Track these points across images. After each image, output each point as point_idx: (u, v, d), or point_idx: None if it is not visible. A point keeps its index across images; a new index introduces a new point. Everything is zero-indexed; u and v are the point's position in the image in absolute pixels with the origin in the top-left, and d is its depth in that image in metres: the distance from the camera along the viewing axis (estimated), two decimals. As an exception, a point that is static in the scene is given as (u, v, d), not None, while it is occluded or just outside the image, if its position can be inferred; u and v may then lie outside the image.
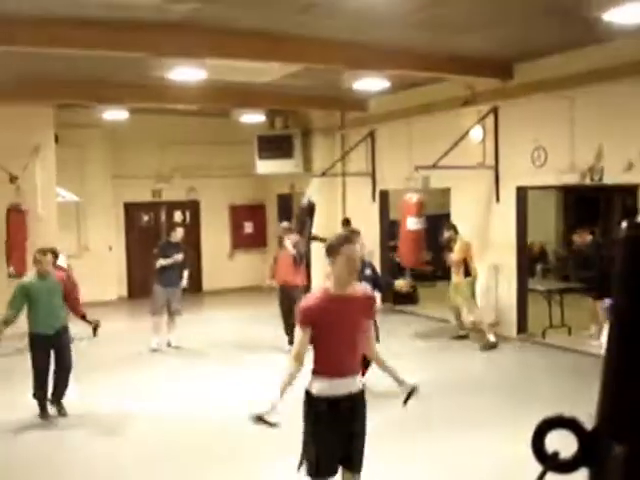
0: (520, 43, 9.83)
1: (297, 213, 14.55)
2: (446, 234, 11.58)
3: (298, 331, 4.26)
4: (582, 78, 9.94)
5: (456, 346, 11.77)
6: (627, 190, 14.72)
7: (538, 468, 1.25)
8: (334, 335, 4.26)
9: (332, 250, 4.26)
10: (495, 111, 11.73)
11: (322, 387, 4.28)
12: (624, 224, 1.17)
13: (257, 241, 18.33)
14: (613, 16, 6.58)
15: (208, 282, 17.51)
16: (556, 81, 10.38)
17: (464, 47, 9.92)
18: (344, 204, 16.01)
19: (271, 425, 4.12)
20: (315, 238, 14.01)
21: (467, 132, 11.84)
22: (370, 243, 14.22)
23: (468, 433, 7.12)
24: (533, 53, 10.42)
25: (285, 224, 12.35)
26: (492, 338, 11.21)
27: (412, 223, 10.88)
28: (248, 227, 18.33)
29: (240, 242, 18.13)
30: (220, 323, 13.68)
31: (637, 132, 9.43)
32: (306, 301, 4.37)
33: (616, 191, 15.47)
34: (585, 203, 16.81)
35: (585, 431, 0.98)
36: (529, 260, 12.76)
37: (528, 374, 9.77)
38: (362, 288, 4.48)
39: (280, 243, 11.78)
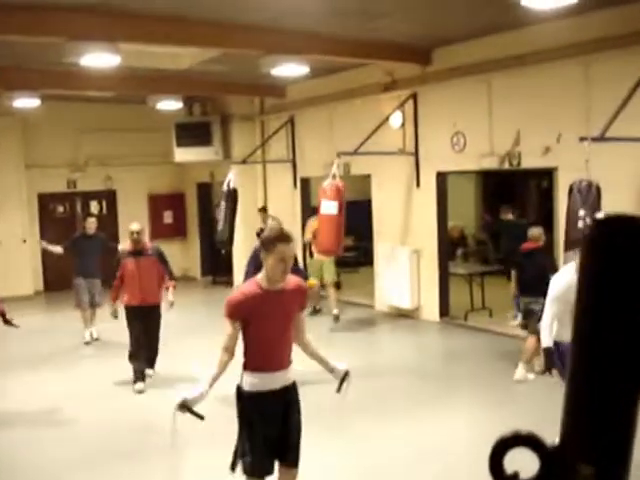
0: (439, 28, 9.89)
1: (218, 201, 14.35)
2: None
3: (227, 325, 4.13)
4: (499, 63, 10.05)
5: (381, 329, 11.85)
6: (542, 173, 15.12)
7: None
8: (265, 329, 4.17)
9: (266, 245, 4.16)
10: (414, 97, 11.77)
11: (254, 382, 4.19)
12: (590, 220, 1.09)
13: (177, 231, 18.02)
14: (531, 1, 6.62)
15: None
16: (474, 66, 10.47)
17: (384, 32, 9.90)
18: (265, 191, 15.87)
19: (197, 416, 4.00)
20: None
21: (387, 118, 11.86)
22: (292, 232, 14.17)
23: (388, 419, 7.14)
24: (452, 38, 10.48)
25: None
26: (335, 311, 11.66)
27: (328, 207, 10.74)
28: (168, 217, 17.98)
29: (160, 232, 17.72)
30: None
31: (554, 117, 9.59)
32: (236, 295, 4.24)
33: (531, 174, 15.80)
34: (502, 187, 17.11)
35: (547, 449, 0.90)
36: (449, 244, 12.90)
37: (450, 357, 9.89)
38: (294, 279, 4.36)
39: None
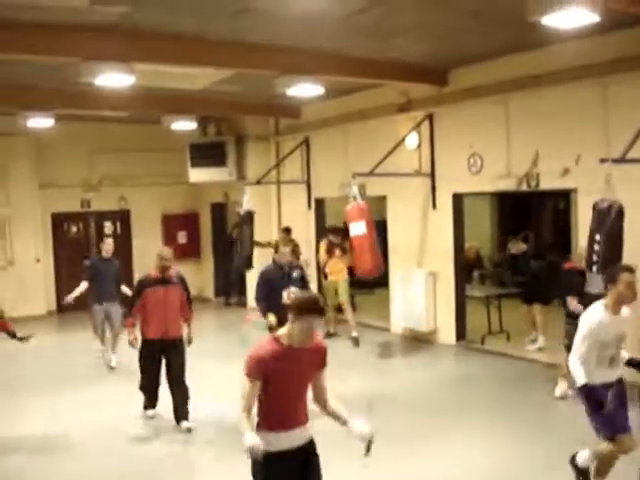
0: (456, 48, 9.78)
1: (236, 222, 14.32)
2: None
3: (246, 383, 3.96)
4: (516, 84, 9.93)
5: (397, 353, 11.70)
6: (558, 194, 14.95)
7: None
8: (283, 389, 4.02)
9: (295, 311, 3.97)
10: (430, 117, 11.67)
11: (270, 441, 3.97)
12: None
13: (191, 251, 17.93)
14: (551, 20, 6.51)
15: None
16: (491, 87, 10.37)
17: (399, 53, 9.83)
18: (279, 212, 15.78)
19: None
20: (258, 244, 13.83)
21: (403, 139, 11.76)
22: (306, 252, 14.09)
23: (404, 445, 6.97)
24: (468, 59, 10.38)
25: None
26: (354, 333, 11.51)
27: (357, 229, 10.61)
28: (181, 237, 17.90)
29: (174, 252, 17.63)
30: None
31: (572, 137, 9.45)
32: (257, 352, 4.02)
33: (548, 195, 15.63)
34: (518, 207, 16.94)
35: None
36: (465, 266, 12.73)
37: (467, 382, 9.68)
38: (315, 338, 4.15)
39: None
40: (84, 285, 10.87)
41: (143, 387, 8.10)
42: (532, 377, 9.68)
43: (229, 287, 17.17)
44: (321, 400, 4.24)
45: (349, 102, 12.97)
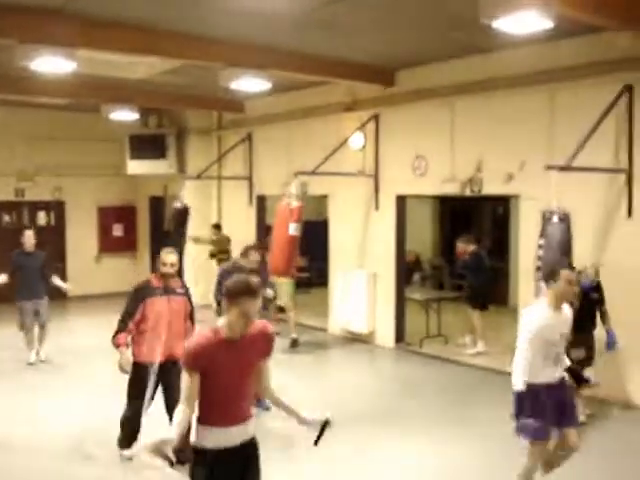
0: (404, 49, 9.73)
1: (170, 217, 14.04)
2: None
3: (186, 376, 3.76)
4: (464, 87, 9.94)
5: (335, 354, 11.60)
6: (497, 200, 15.08)
7: None
8: (224, 381, 3.82)
9: (230, 297, 3.80)
10: (376, 118, 11.60)
11: (211, 438, 3.82)
12: None
13: (127, 245, 17.53)
14: (503, 25, 6.47)
15: (74, 288, 16.50)
16: (438, 90, 10.35)
17: (348, 51, 9.73)
18: (219, 208, 15.54)
19: (168, 461, 3.66)
20: (197, 240, 13.61)
21: (347, 139, 11.66)
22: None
23: (339, 451, 6.85)
24: (416, 60, 10.35)
25: None
26: (294, 335, 11.46)
27: (292, 229, 10.48)
28: (117, 230, 17.49)
29: (109, 245, 17.30)
30: (89, 333, 12.85)
31: (516, 143, 9.49)
32: (195, 343, 3.83)
33: (487, 201, 15.75)
34: (458, 212, 17.06)
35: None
36: (406, 268, 12.70)
37: (404, 386, 9.62)
38: (260, 324, 3.97)
39: None
40: (4, 278, 10.27)
41: (127, 420, 6.48)
42: (472, 381, 9.68)
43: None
44: (264, 388, 4.09)
45: (295, 99, 12.82)
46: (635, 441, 7.24)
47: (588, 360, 7.54)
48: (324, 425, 3.99)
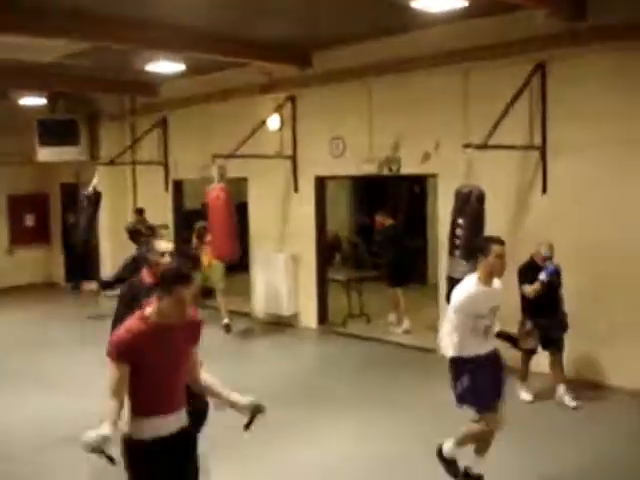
0: (320, 30, 9.67)
1: (81, 202, 13.67)
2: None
3: (113, 367, 3.64)
4: (380, 68, 9.97)
5: (259, 337, 11.56)
6: (414, 179, 15.24)
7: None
8: (156, 369, 3.72)
9: (163, 285, 3.70)
10: (293, 99, 11.53)
11: (145, 428, 3.74)
12: None
13: (40, 235, 16.98)
14: (420, 3, 6.49)
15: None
16: (354, 70, 10.35)
17: (263, 32, 9.61)
18: (135, 194, 15.20)
19: (109, 459, 3.49)
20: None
21: (264, 120, 11.55)
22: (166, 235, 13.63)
23: (264, 434, 6.83)
24: (332, 41, 10.29)
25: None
26: (226, 320, 11.36)
27: (216, 212, 10.39)
28: (29, 220, 16.92)
29: (21, 236, 16.72)
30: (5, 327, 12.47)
31: (433, 123, 9.59)
32: (122, 333, 3.71)
33: (403, 180, 15.90)
34: (375, 192, 17.16)
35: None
36: (327, 249, 12.72)
37: (328, 366, 9.66)
38: (189, 311, 3.88)
39: None
40: None
41: None
42: (398, 360, 9.79)
43: (83, 272, 16.43)
44: (193, 376, 4.01)
45: (211, 81, 12.59)
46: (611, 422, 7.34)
47: (558, 342, 7.60)
48: (255, 410, 3.95)
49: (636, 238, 7.81)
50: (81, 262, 15.85)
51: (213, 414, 4.85)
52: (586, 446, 6.47)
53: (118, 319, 4.94)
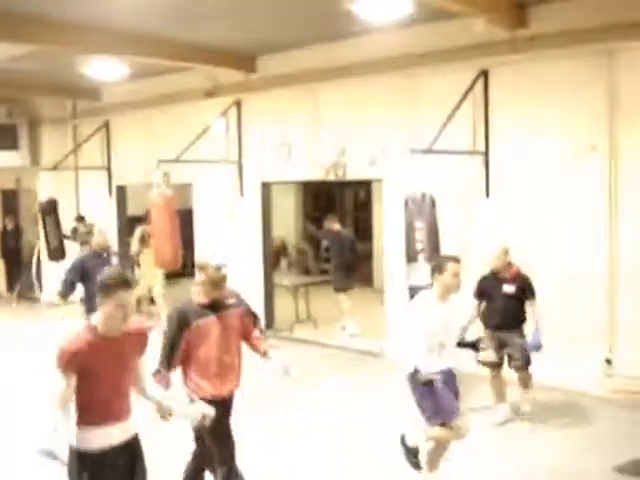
0: (265, 34, 9.62)
1: (38, 211, 13.45)
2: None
3: (61, 378, 3.60)
4: (326, 73, 9.96)
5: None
6: (359, 184, 15.34)
7: None
8: (104, 380, 3.70)
9: (104, 291, 3.67)
10: (238, 104, 11.49)
11: (89, 438, 3.70)
12: None
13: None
14: (363, 10, 6.52)
15: None
16: (300, 75, 10.33)
17: (207, 36, 9.55)
18: (77, 200, 14.96)
19: (63, 463, 3.49)
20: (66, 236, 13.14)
21: (209, 125, 11.48)
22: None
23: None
24: (278, 46, 10.27)
25: None
26: None
27: (159, 218, 10.27)
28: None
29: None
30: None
31: (379, 128, 9.66)
32: (70, 344, 3.67)
33: (349, 185, 15.98)
34: (321, 197, 17.23)
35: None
36: (273, 255, 12.71)
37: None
38: (135, 322, 3.88)
39: None
40: None
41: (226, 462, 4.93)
42: (345, 364, 9.80)
43: (26, 280, 16.12)
44: (139, 386, 4.02)
45: (155, 85, 12.44)
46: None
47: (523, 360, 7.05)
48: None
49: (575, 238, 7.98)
50: (18, 270, 15.67)
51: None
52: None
53: (166, 351, 4.68)
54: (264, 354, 5.10)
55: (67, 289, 8.43)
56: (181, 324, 4.70)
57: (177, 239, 10.31)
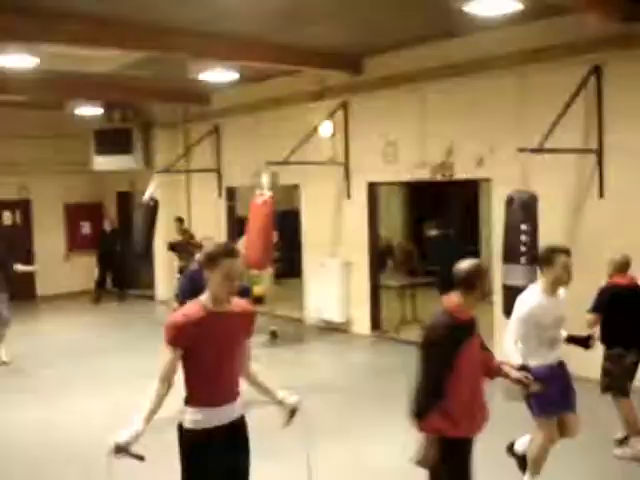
0: (372, 36, 9.67)
1: (137, 212, 13.84)
2: None
3: (166, 351, 3.67)
4: (432, 73, 9.92)
5: (312, 344, 11.57)
6: (467, 185, 15.09)
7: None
8: (210, 357, 3.73)
9: (210, 261, 3.73)
10: (345, 106, 11.54)
11: (199, 418, 3.74)
12: None
13: (95, 242, 17.28)
14: (474, 8, 6.45)
15: (42, 287, 16.31)
16: (406, 76, 10.32)
17: (314, 39, 9.66)
18: (189, 201, 15.38)
19: (136, 458, 3.52)
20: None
21: (316, 127, 11.59)
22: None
23: (321, 439, 6.81)
24: (384, 47, 10.29)
25: None
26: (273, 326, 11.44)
27: (256, 220, 10.38)
28: (85, 227, 17.24)
29: (76, 243, 17.04)
30: (58, 332, 12.70)
31: (487, 127, 9.50)
32: (177, 318, 3.74)
33: (457, 186, 15.75)
34: (428, 197, 17.04)
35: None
36: (379, 255, 12.69)
37: (382, 373, 9.60)
38: (242, 302, 3.94)
39: None
40: None
41: None
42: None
43: (137, 279, 16.72)
44: (245, 370, 4.04)
45: (262, 89, 12.69)
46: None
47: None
48: (293, 411, 4.05)
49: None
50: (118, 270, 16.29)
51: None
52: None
53: (436, 375, 4.20)
54: None
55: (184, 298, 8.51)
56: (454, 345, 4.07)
57: (268, 241, 10.30)
